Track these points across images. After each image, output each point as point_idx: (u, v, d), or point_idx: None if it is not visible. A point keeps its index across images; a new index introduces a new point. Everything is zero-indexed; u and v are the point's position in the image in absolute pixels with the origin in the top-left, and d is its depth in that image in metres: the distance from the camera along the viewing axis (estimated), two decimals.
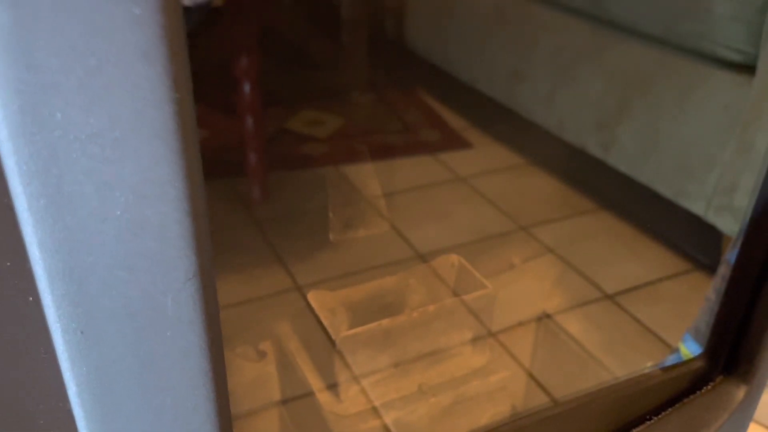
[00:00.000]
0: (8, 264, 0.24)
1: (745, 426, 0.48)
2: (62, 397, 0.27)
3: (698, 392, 0.47)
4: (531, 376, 0.78)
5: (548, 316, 0.90)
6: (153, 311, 0.25)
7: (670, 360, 0.77)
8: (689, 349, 0.74)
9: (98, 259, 0.24)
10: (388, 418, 0.55)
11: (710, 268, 1.02)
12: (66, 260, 0.24)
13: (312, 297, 0.59)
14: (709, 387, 0.48)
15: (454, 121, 1.42)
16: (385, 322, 0.53)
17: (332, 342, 0.52)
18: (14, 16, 0.20)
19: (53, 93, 0.21)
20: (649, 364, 0.82)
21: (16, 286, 0.25)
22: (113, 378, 0.26)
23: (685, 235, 1.06)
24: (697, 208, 0.95)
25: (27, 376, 0.27)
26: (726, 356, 0.48)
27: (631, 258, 1.04)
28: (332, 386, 0.57)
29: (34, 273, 0.24)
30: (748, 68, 0.88)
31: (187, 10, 0.80)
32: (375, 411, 0.56)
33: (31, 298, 0.25)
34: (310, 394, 0.58)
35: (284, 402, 0.67)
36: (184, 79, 0.22)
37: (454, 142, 1.33)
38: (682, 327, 0.81)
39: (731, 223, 0.91)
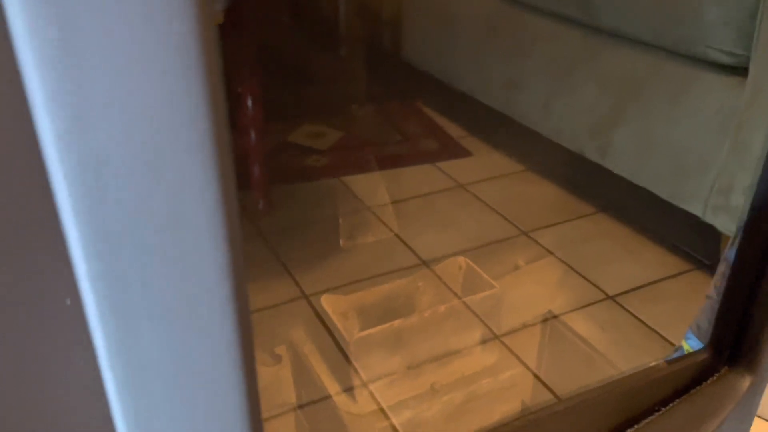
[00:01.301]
0: (51, 266, 0.26)
1: (752, 414, 0.50)
2: (100, 396, 0.29)
3: (704, 383, 0.49)
4: (538, 375, 0.79)
5: (553, 317, 0.92)
6: (188, 309, 0.27)
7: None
8: (692, 347, 0.75)
9: (138, 260, 0.25)
10: (403, 417, 0.56)
11: (710, 267, 1.03)
12: (107, 262, 0.25)
13: (325, 300, 0.60)
14: (714, 378, 0.49)
15: (453, 130, 1.44)
16: (397, 323, 0.55)
17: (346, 343, 0.53)
18: (62, 34, 0.21)
19: (100, 108, 0.22)
20: (653, 363, 0.83)
21: (57, 289, 0.26)
22: (149, 372, 0.28)
23: (684, 236, 1.08)
24: (694, 208, 0.97)
25: (65, 377, 0.28)
26: (730, 348, 0.49)
27: (631, 259, 1.05)
28: (347, 387, 0.58)
29: (76, 275, 0.25)
30: (739, 70, 0.90)
31: None
32: (390, 410, 0.57)
33: (69, 301, 0.27)
34: (325, 395, 0.59)
35: (300, 404, 0.68)
36: (219, 93, 0.24)
37: (453, 150, 1.35)
38: (684, 325, 0.82)
39: (729, 223, 0.92)
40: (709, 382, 0.49)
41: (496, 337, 0.68)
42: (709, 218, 0.95)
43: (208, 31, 0.23)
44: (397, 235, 1.08)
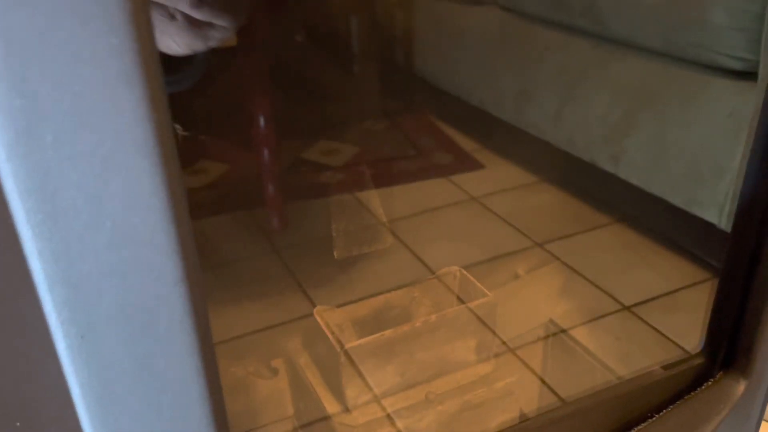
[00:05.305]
0: (9, 275, 0.27)
1: (750, 420, 0.48)
2: (67, 402, 0.29)
3: (699, 388, 0.48)
4: (543, 381, 0.78)
5: (561, 331, 0.91)
6: (146, 314, 0.28)
7: None
8: None
9: (93, 267, 0.26)
10: (396, 427, 0.56)
11: None
12: (63, 269, 0.26)
13: (318, 313, 0.61)
14: (709, 383, 0.48)
15: (466, 143, 1.44)
16: (388, 332, 0.55)
17: (337, 354, 0.54)
18: (6, 49, 0.22)
19: (45, 117, 0.24)
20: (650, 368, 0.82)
21: (17, 296, 0.27)
22: (113, 379, 0.28)
23: (701, 244, 1.06)
24: (710, 215, 0.95)
25: (31, 383, 0.29)
26: (724, 352, 0.48)
27: (647, 269, 1.04)
28: (340, 398, 0.58)
29: (34, 282, 0.26)
30: (749, 75, 0.88)
31: (188, 59, 0.81)
32: (384, 420, 0.57)
33: (32, 308, 0.28)
34: (319, 407, 0.59)
35: (294, 417, 0.68)
36: (160, 100, 0.25)
37: (466, 163, 1.35)
38: (702, 335, 0.81)
39: None
40: (704, 387, 0.48)
41: (488, 347, 0.68)
42: (725, 225, 0.93)
43: (148, 43, 0.24)
44: (411, 250, 1.08)
